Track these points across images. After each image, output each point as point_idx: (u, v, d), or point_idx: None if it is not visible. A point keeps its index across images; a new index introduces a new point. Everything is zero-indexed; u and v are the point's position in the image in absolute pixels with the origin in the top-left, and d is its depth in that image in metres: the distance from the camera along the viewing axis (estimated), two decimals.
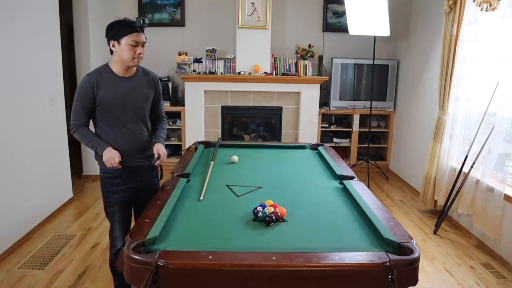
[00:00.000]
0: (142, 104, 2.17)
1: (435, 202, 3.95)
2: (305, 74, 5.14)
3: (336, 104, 5.28)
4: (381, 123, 5.55)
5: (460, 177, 3.52)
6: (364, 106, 5.25)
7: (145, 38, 2.05)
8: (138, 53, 2.02)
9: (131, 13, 5.27)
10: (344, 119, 5.59)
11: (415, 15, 4.81)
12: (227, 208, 1.93)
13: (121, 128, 2.10)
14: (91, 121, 2.16)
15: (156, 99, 2.28)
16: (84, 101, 2.04)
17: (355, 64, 5.25)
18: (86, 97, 2.03)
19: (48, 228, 3.48)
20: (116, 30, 1.99)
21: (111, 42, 2.01)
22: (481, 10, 3.14)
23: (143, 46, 2.04)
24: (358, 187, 2.15)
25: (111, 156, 1.99)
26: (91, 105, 2.05)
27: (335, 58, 5.21)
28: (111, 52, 2.06)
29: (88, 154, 4.79)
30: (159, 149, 2.12)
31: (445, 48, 3.69)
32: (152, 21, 5.30)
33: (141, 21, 2.00)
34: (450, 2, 3.54)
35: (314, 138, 5.22)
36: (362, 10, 4.43)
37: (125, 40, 1.98)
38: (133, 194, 2.21)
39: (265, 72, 5.05)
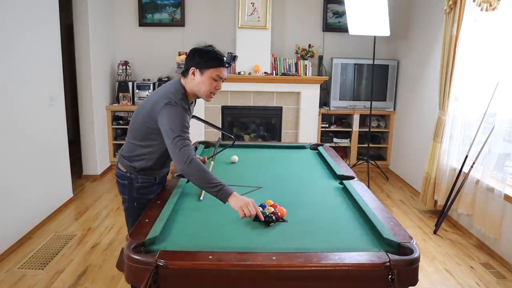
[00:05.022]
0: None
1: (435, 202, 3.95)
2: (305, 74, 5.13)
3: (336, 104, 5.28)
4: (381, 123, 5.55)
5: (460, 177, 3.52)
6: (364, 106, 5.25)
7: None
8: (218, 88, 1.91)
9: (131, 13, 5.28)
10: (344, 119, 5.59)
11: (415, 15, 4.81)
12: (227, 208, 1.92)
13: (166, 154, 2.01)
14: (137, 139, 1.97)
15: None
16: (187, 126, 1.85)
17: (355, 64, 5.25)
18: (187, 123, 1.86)
19: (48, 228, 3.48)
20: (204, 59, 1.85)
21: (192, 69, 1.87)
22: (481, 10, 3.14)
23: (223, 81, 1.94)
24: (358, 187, 2.15)
25: (248, 204, 1.69)
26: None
27: (335, 58, 5.21)
28: (184, 74, 1.93)
29: (88, 154, 4.79)
30: (200, 158, 2.33)
31: (445, 48, 3.69)
32: (152, 21, 5.31)
33: (232, 57, 1.88)
34: (450, 2, 3.54)
35: (314, 138, 5.22)
36: (362, 10, 4.42)
37: (210, 73, 1.85)
38: None
39: (265, 72, 5.05)
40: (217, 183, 1.75)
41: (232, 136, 2.69)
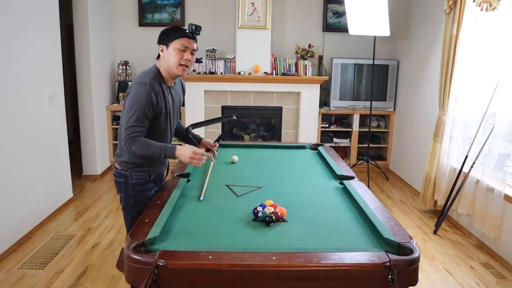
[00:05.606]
0: (178, 113, 2.15)
1: (435, 202, 3.95)
2: (305, 74, 5.14)
3: (336, 104, 5.28)
4: (381, 123, 5.55)
5: (460, 177, 3.52)
6: (364, 106, 5.25)
7: (197, 47, 1.97)
8: (185, 59, 1.93)
9: (131, 13, 5.28)
10: (344, 119, 5.59)
11: (415, 15, 4.81)
12: (227, 208, 1.93)
13: (158, 138, 2.02)
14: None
15: (182, 103, 2.26)
16: (149, 109, 1.89)
17: (355, 64, 5.25)
18: (151, 105, 1.89)
19: (48, 228, 3.48)
20: (167, 34, 1.94)
21: (161, 47, 1.96)
22: (481, 10, 3.15)
23: (192, 54, 1.97)
24: (358, 187, 2.15)
25: (193, 152, 1.90)
26: (151, 114, 1.93)
27: (335, 58, 5.21)
28: (158, 57, 2.01)
29: (88, 154, 4.80)
30: (210, 143, 2.28)
31: (445, 48, 3.69)
32: (152, 21, 5.31)
33: (193, 27, 1.93)
34: (450, 2, 3.54)
35: (314, 138, 5.22)
36: (362, 10, 4.42)
37: (174, 45, 1.92)
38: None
39: (265, 72, 5.05)
40: (160, 150, 1.90)
41: (234, 118, 2.67)
